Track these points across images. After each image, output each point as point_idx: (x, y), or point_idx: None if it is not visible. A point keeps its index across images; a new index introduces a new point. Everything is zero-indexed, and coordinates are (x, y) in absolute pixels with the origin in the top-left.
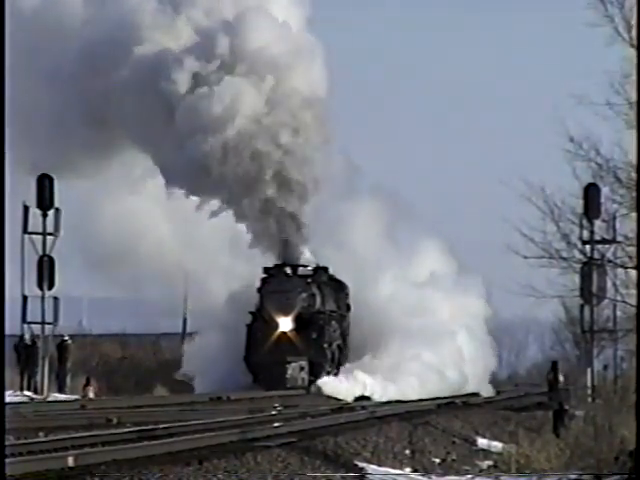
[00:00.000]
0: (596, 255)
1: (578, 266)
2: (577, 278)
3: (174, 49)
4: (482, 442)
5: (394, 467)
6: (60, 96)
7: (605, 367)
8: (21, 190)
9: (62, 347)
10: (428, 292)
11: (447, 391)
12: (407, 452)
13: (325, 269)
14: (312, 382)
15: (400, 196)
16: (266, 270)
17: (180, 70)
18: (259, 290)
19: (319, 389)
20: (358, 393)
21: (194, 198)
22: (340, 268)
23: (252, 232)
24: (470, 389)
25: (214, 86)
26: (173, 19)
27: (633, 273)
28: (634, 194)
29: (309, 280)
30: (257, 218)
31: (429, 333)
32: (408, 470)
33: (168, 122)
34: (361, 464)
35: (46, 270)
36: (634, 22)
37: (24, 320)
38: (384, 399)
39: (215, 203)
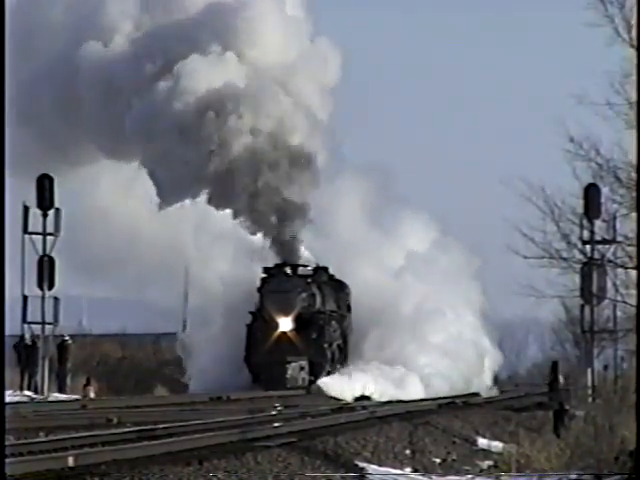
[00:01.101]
0: (596, 255)
1: (578, 266)
2: (577, 278)
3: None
4: (482, 442)
5: (394, 467)
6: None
7: (605, 367)
8: (21, 190)
9: (62, 347)
10: (424, 279)
11: (464, 378)
12: (407, 452)
13: (325, 269)
14: (312, 382)
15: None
16: (266, 270)
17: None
18: (259, 290)
19: (319, 389)
20: (358, 393)
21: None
22: (329, 255)
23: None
24: (481, 379)
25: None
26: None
27: (633, 273)
28: (634, 194)
29: (309, 280)
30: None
31: (427, 321)
32: (408, 470)
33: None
34: (361, 464)
35: (46, 270)
36: (634, 22)
37: (24, 320)
38: (384, 398)
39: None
